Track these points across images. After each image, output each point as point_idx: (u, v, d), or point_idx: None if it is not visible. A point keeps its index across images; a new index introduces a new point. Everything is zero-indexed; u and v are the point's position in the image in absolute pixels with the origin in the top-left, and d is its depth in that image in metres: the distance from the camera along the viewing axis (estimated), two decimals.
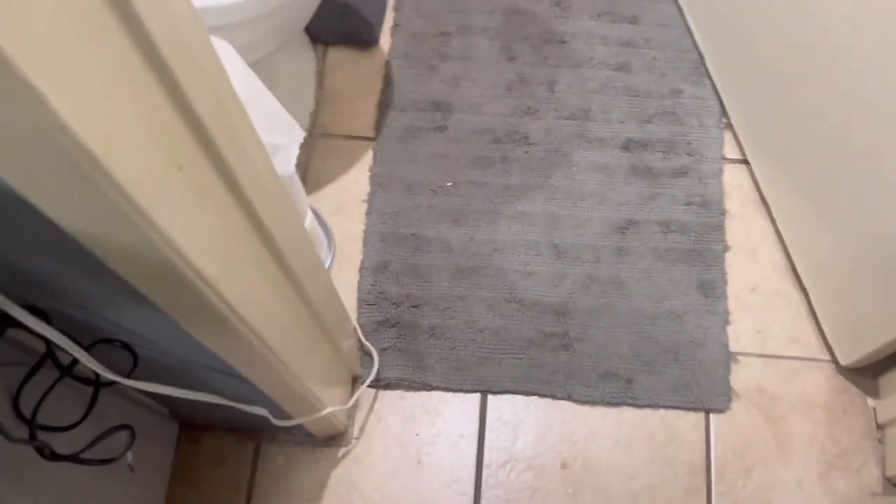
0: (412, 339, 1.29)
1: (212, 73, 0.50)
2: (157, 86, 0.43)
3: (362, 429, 1.26)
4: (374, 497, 1.22)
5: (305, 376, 0.93)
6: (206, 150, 0.52)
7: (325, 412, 1.08)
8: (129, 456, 1.03)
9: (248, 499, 1.23)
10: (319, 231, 1.33)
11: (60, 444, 0.74)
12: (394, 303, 1.31)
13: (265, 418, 1.01)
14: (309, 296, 0.87)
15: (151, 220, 0.45)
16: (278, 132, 0.92)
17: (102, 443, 0.79)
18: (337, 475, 1.24)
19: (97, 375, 0.75)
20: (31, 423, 0.70)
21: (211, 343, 0.69)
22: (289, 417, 1.02)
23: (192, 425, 1.25)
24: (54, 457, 0.72)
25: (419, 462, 1.24)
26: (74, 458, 0.74)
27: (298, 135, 0.99)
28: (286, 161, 0.95)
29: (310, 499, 1.23)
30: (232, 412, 0.99)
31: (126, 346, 0.75)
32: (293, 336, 0.87)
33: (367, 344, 1.25)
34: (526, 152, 1.41)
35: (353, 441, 1.25)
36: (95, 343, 0.71)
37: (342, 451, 1.25)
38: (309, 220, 1.20)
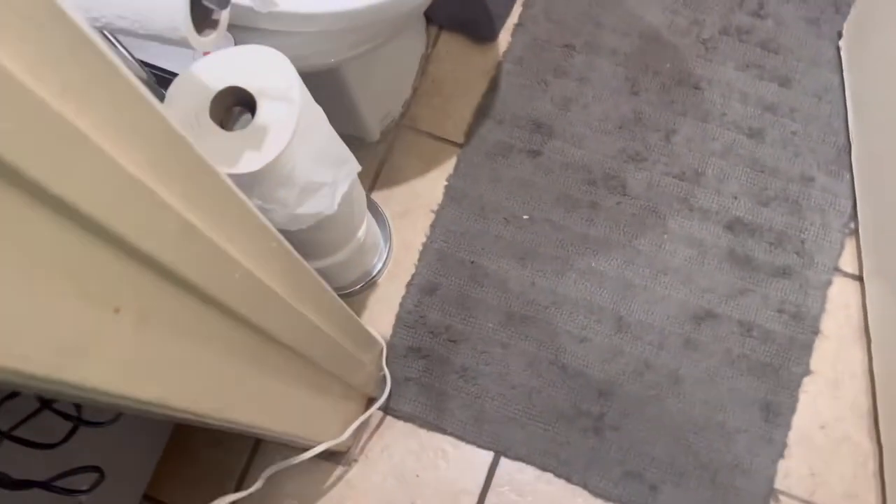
0: (439, 376, 1.21)
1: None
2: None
3: (364, 452, 1.21)
4: None
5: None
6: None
7: (314, 450, 1.02)
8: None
9: (237, 488, 1.21)
10: (376, 232, 1.25)
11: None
12: (431, 331, 1.23)
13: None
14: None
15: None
16: (327, 168, 0.83)
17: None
18: (328, 494, 1.20)
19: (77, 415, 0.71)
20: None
21: None
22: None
23: None
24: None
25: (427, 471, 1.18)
26: (34, 484, 0.71)
27: (351, 169, 0.90)
28: (330, 198, 0.86)
29: None
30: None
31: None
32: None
33: (386, 371, 1.18)
34: (618, 203, 1.27)
35: (353, 462, 1.20)
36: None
37: (339, 469, 1.20)
38: (363, 231, 1.12)
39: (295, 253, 0.70)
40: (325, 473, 1.20)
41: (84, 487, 0.78)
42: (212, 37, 0.60)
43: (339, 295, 1.24)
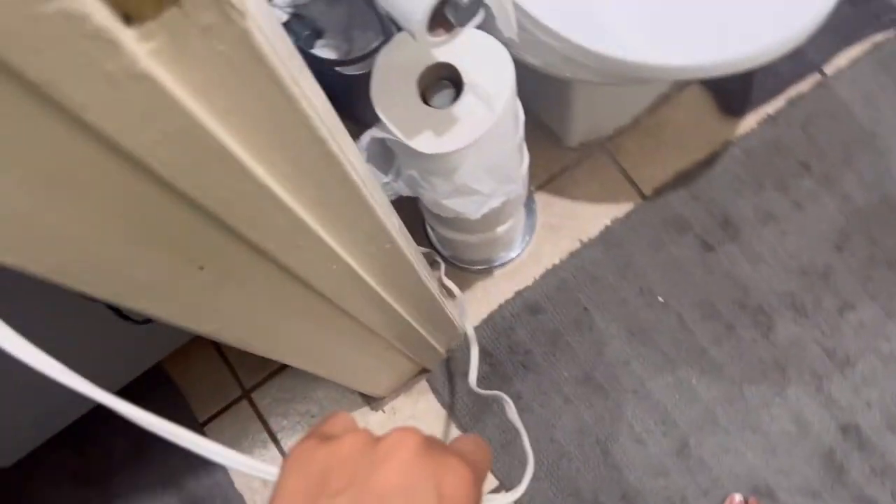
0: (493, 388, 1.20)
1: None
2: None
3: (394, 409, 1.23)
4: None
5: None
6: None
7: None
8: None
9: (252, 388, 1.26)
10: (519, 229, 1.23)
11: None
12: (511, 347, 1.22)
13: None
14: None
15: None
16: (490, 180, 0.81)
17: None
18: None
19: None
20: None
21: None
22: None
23: None
24: None
25: None
26: None
27: (512, 191, 0.87)
28: (477, 206, 0.84)
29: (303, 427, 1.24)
30: None
31: None
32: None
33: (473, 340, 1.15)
34: (754, 340, 1.20)
35: (381, 413, 1.23)
36: None
37: (365, 409, 1.23)
38: (504, 228, 1.11)
39: (406, 252, 0.69)
40: (350, 403, 1.23)
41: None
42: (441, 38, 0.58)
43: (451, 265, 1.24)
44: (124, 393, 0.64)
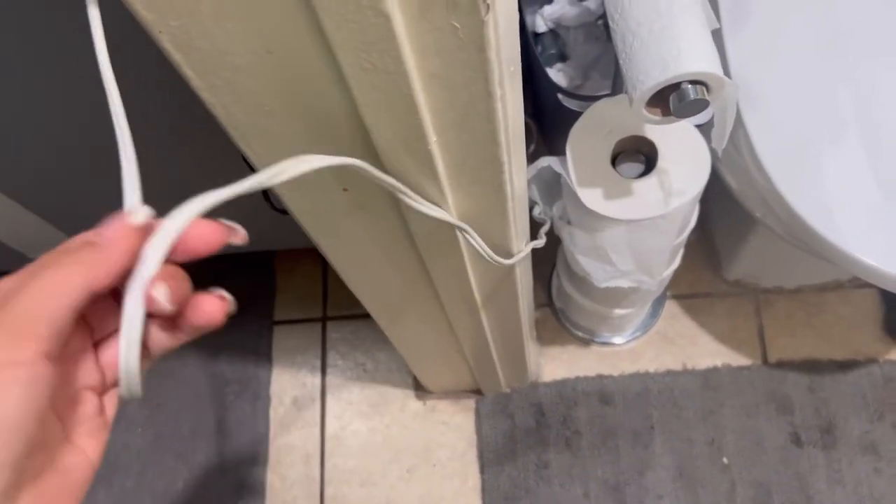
0: (527, 445, 1.21)
1: None
2: None
3: (433, 409, 1.25)
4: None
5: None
6: None
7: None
8: None
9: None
10: (642, 314, 1.22)
11: None
12: (564, 418, 1.22)
13: None
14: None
15: None
16: (631, 261, 0.82)
17: None
18: (387, 400, 1.27)
19: None
20: None
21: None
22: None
23: None
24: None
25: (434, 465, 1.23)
26: None
27: (641, 281, 0.87)
28: (605, 276, 0.85)
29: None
30: None
31: None
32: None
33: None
34: None
35: (421, 404, 1.26)
36: None
37: (408, 392, 1.27)
38: (627, 312, 1.10)
39: (518, 279, 0.71)
40: (401, 381, 1.27)
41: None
42: (655, 117, 0.60)
43: (556, 317, 1.25)
44: (229, 259, 0.69)
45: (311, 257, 1.29)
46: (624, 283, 0.86)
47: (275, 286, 1.33)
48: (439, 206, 0.47)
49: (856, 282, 1.25)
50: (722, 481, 1.17)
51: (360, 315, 1.28)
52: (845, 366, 1.22)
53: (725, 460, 1.18)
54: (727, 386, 1.21)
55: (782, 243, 1.09)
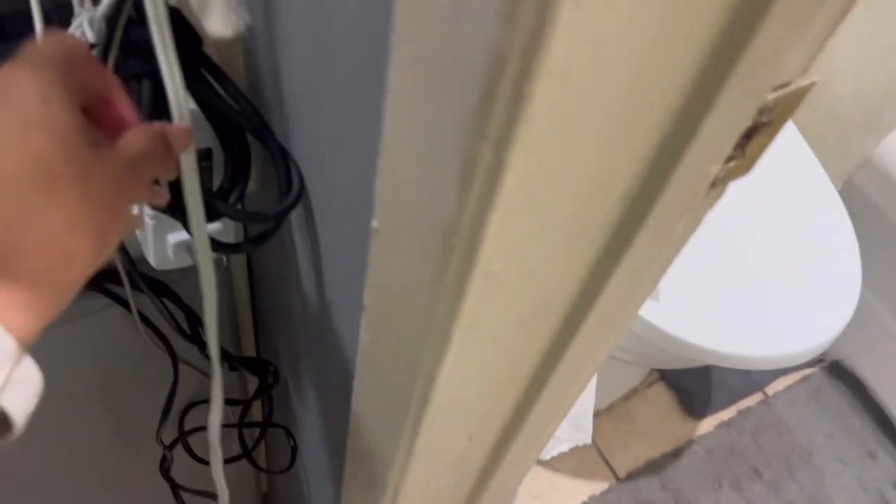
0: None
1: None
2: None
3: None
4: None
5: None
6: None
7: None
8: None
9: None
10: None
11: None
12: None
13: None
14: None
15: None
16: (566, 426, 0.88)
17: None
18: None
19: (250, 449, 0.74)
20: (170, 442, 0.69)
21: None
22: None
23: None
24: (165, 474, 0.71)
25: None
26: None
27: (578, 438, 0.94)
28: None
29: None
30: None
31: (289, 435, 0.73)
32: None
33: None
34: None
35: None
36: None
37: None
38: None
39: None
40: None
41: None
42: None
43: None
44: None
45: None
46: (565, 448, 0.91)
47: None
48: None
49: (645, 381, 1.45)
50: None
51: None
52: (675, 454, 1.39)
53: None
54: None
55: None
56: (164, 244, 0.44)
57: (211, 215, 0.43)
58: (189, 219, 0.35)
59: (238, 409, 0.72)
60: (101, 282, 0.52)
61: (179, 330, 0.53)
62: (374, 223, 0.31)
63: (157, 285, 0.52)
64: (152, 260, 0.45)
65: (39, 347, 0.26)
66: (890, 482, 1.45)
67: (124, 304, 0.53)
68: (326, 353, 0.48)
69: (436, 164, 0.25)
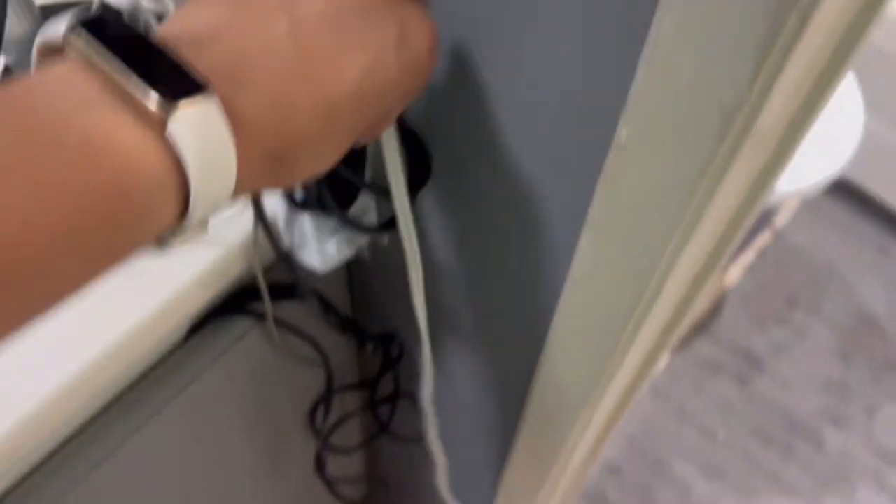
0: None
1: None
2: None
3: None
4: None
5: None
6: None
7: None
8: None
9: None
10: None
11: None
12: None
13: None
14: None
15: None
16: None
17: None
18: None
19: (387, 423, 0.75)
20: (318, 436, 0.70)
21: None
22: None
23: None
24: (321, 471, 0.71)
25: None
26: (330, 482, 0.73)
27: None
28: None
29: None
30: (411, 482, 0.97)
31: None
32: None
33: None
34: (813, 455, 1.30)
35: None
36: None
37: None
38: None
39: None
40: None
41: None
42: None
43: None
44: None
45: None
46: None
47: None
48: None
49: None
50: (733, 452, 1.29)
51: None
52: (716, 309, 1.44)
53: (721, 436, 1.31)
54: (669, 386, 1.35)
55: None
56: (325, 243, 0.44)
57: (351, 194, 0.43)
58: (392, 192, 0.35)
59: (357, 395, 0.73)
60: (242, 301, 0.51)
61: (334, 323, 0.54)
62: (622, 134, 0.31)
63: (287, 290, 0.52)
64: (317, 262, 0.44)
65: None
66: None
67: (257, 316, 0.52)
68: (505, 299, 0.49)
69: (729, 42, 0.25)
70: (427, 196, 0.44)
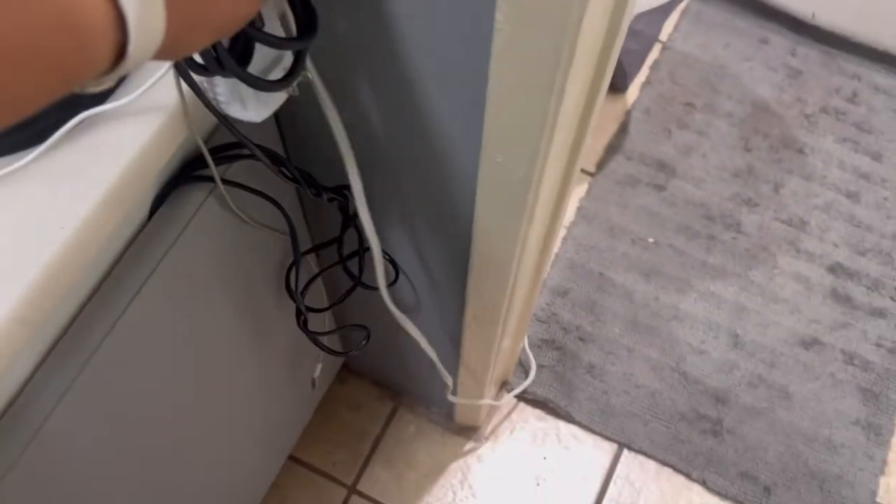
0: (570, 367, 1.31)
1: None
2: None
3: (494, 432, 1.28)
4: (483, 497, 1.23)
5: (493, 353, 0.96)
6: None
7: (482, 401, 1.10)
8: (318, 369, 1.09)
9: (371, 451, 1.26)
10: None
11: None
12: (564, 328, 1.34)
13: (417, 381, 1.04)
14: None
15: None
16: None
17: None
18: (457, 464, 1.26)
19: (359, 276, 0.80)
20: (296, 298, 0.75)
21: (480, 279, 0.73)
22: (447, 391, 1.04)
23: (344, 366, 1.30)
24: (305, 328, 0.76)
25: (537, 484, 1.24)
26: (314, 334, 0.79)
27: None
28: None
29: (426, 475, 1.24)
30: (393, 362, 1.04)
31: (392, 263, 0.79)
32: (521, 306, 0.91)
33: (530, 354, 1.28)
34: (733, 238, 1.42)
35: (483, 440, 1.27)
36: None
37: (469, 444, 1.27)
38: None
39: None
40: (456, 446, 1.26)
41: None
42: None
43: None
44: None
45: None
46: None
47: None
48: None
49: None
50: (664, 251, 1.40)
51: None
52: (623, 130, 1.52)
53: (651, 240, 1.41)
54: (597, 207, 1.44)
55: None
56: (248, 98, 0.48)
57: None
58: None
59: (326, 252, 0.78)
60: (190, 170, 0.55)
61: (288, 175, 0.58)
62: None
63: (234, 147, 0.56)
64: (254, 115, 0.48)
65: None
66: (789, 54, 1.63)
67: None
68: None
69: None
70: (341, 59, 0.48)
